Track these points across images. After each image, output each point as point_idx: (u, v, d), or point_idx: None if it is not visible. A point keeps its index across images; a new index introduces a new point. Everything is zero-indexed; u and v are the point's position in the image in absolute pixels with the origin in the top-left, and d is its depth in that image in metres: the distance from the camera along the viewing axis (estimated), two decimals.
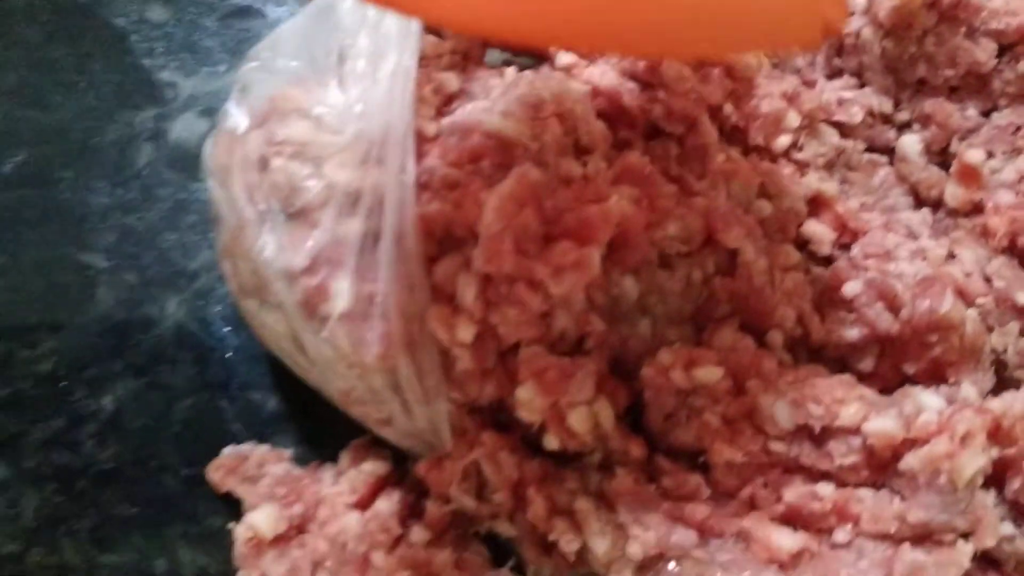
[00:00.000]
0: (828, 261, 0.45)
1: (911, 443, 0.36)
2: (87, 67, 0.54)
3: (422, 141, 0.40)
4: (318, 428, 0.45)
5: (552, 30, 0.31)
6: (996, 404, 0.36)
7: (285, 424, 0.47)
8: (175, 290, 0.49)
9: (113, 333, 0.48)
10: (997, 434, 0.36)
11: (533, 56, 0.47)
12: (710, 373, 0.38)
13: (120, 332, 0.48)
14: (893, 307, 0.40)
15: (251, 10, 0.55)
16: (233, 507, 0.44)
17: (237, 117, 0.38)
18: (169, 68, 0.53)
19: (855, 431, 0.36)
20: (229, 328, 0.48)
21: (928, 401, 0.37)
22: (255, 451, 0.45)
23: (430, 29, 0.44)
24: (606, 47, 0.35)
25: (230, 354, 0.48)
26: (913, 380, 0.41)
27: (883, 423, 0.36)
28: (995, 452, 0.35)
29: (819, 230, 0.44)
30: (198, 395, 0.47)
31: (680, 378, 0.38)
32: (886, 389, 0.42)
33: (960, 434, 0.35)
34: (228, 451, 0.45)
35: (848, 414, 0.36)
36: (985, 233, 0.43)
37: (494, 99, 0.42)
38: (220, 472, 0.44)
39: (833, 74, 0.47)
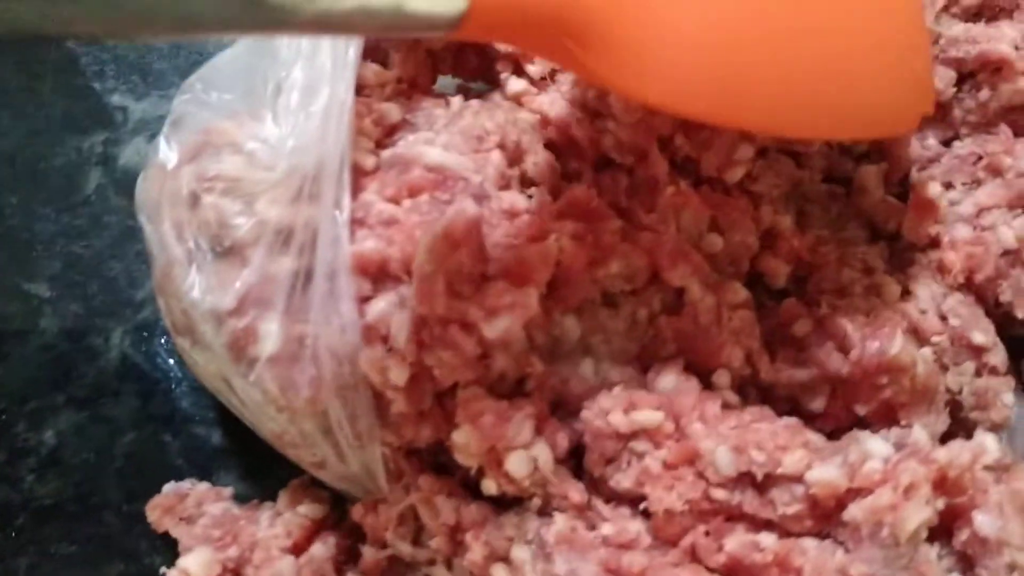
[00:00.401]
0: (784, 294, 0.44)
1: (855, 493, 0.35)
2: (36, 89, 0.53)
3: (360, 175, 0.39)
4: (261, 464, 0.45)
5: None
6: (942, 453, 0.35)
7: (228, 459, 0.46)
8: (120, 320, 0.48)
9: (56, 365, 0.47)
10: (943, 484, 0.35)
11: (487, 82, 0.46)
12: (650, 417, 0.37)
13: (63, 364, 0.47)
14: (843, 348, 0.39)
15: None
16: (173, 545, 0.43)
17: (167, 152, 0.37)
18: (119, 91, 0.53)
19: (798, 479, 0.35)
20: (174, 360, 0.47)
21: (875, 447, 0.36)
22: (194, 489, 0.44)
23: (374, 56, 0.43)
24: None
25: (175, 387, 0.47)
26: (865, 421, 0.40)
27: (826, 472, 0.35)
28: (941, 503, 0.34)
29: (773, 264, 0.43)
30: (141, 429, 0.46)
31: (620, 422, 0.37)
32: (838, 429, 0.41)
33: (904, 485, 0.34)
34: (168, 488, 0.44)
35: (791, 461, 0.35)
36: (942, 269, 0.42)
37: (437, 130, 0.41)
38: (157, 512, 0.43)
39: None
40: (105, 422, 0.46)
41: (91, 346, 0.48)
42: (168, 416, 0.46)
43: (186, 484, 0.44)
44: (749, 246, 0.42)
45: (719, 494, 0.36)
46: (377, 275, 0.37)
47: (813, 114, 0.36)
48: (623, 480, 0.37)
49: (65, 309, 0.48)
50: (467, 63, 0.46)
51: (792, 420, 0.38)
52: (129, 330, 0.48)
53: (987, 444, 0.38)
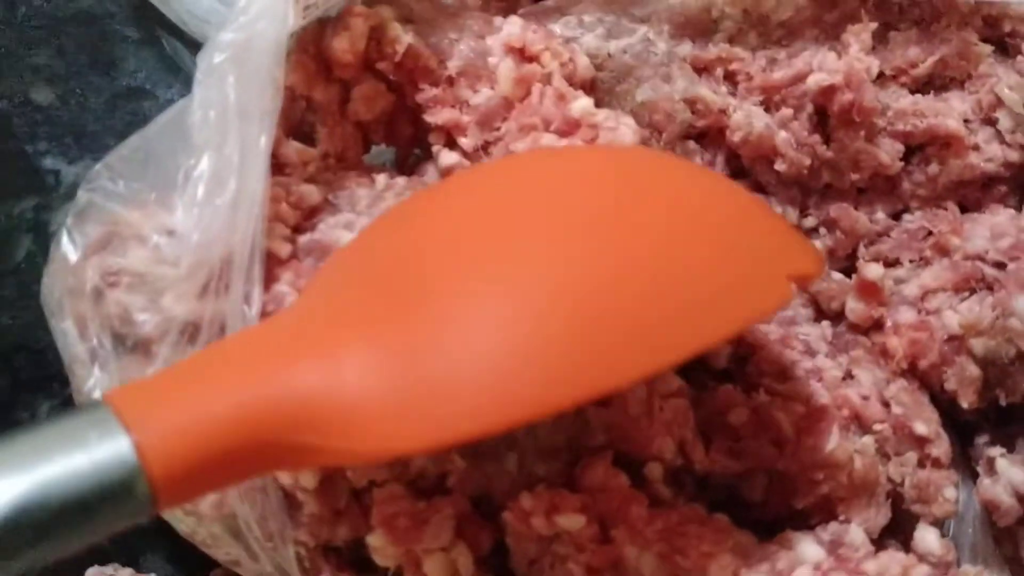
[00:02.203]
0: (726, 375, 0.42)
1: None
2: None
3: (274, 264, 0.37)
4: (188, 547, 0.43)
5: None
6: (872, 566, 0.33)
7: (156, 541, 0.45)
8: (48, 395, 0.47)
9: None
10: None
11: (424, 150, 0.45)
12: (572, 521, 0.35)
13: None
14: (778, 442, 0.38)
15: (141, 91, 0.53)
16: None
17: (69, 245, 0.36)
18: (52, 154, 0.51)
19: None
20: None
21: (806, 551, 0.35)
22: (117, 574, 0.42)
23: (297, 133, 0.42)
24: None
25: None
26: (804, 513, 0.39)
27: None
28: None
29: None
30: None
31: (541, 524, 0.35)
32: (778, 519, 0.40)
33: None
34: (91, 573, 0.43)
35: (716, 569, 0.34)
36: (885, 353, 0.41)
37: (359, 211, 0.39)
38: None
39: (735, 174, 0.45)
40: None
41: (16, 421, 0.46)
42: None
43: (108, 569, 0.43)
44: None
45: None
46: None
47: (659, 341, 0.31)
48: None
49: None
50: (400, 132, 0.45)
51: (722, 520, 0.36)
52: (57, 405, 0.47)
53: (928, 545, 0.37)
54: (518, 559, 0.37)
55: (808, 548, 0.35)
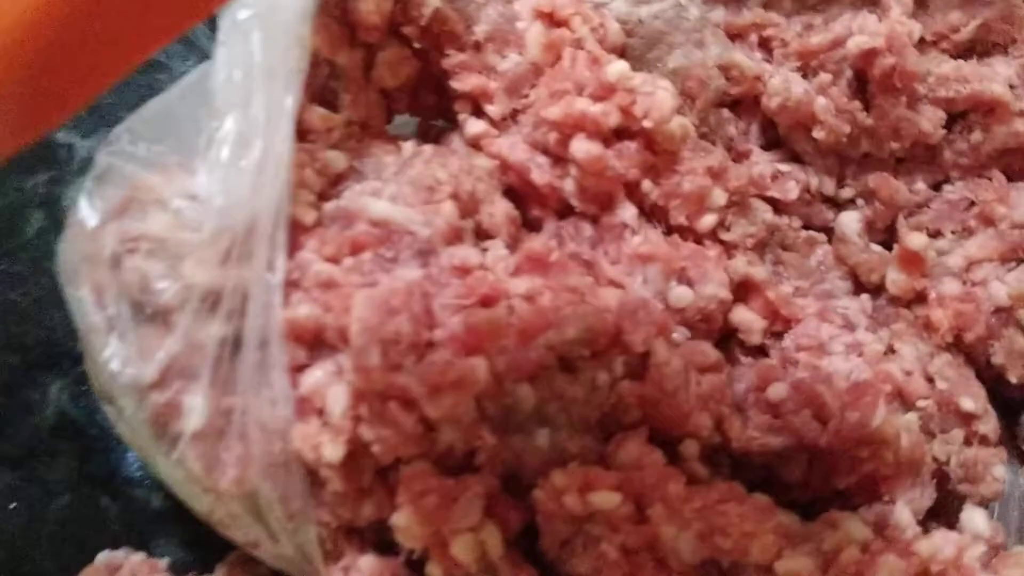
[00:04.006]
0: (760, 351, 0.41)
1: None
2: None
3: (298, 231, 0.36)
4: (202, 530, 0.42)
5: None
6: (924, 546, 0.32)
7: (169, 525, 0.43)
8: (59, 373, 0.45)
9: None
10: None
11: (448, 120, 0.43)
12: (607, 499, 0.34)
13: None
14: (821, 416, 0.36)
15: (157, 64, 0.51)
16: None
17: (88, 210, 0.35)
18: (65, 127, 0.50)
19: (767, 569, 0.33)
20: None
21: (853, 531, 0.33)
22: (129, 560, 0.41)
23: (322, 99, 0.40)
24: None
25: (114, 446, 0.44)
26: (845, 494, 0.37)
27: (797, 563, 0.32)
28: None
29: (748, 318, 0.40)
30: (77, 491, 0.44)
31: (574, 503, 0.34)
32: (817, 499, 0.38)
33: None
34: (101, 558, 0.41)
35: (759, 549, 0.33)
36: (928, 326, 0.39)
37: (385, 179, 0.38)
38: None
39: (770, 144, 0.43)
40: (39, 483, 0.43)
41: (27, 401, 0.45)
42: (106, 478, 0.44)
43: (120, 554, 0.41)
44: (721, 300, 0.39)
45: None
46: (312, 343, 0.34)
47: None
48: (579, 565, 0.34)
49: (1, 361, 0.45)
50: (424, 102, 0.43)
51: (763, 499, 0.35)
52: (68, 384, 0.45)
53: (976, 527, 0.35)
54: (549, 540, 0.35)
55: (855, 527, 0.33)
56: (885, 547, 0.32)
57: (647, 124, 0.38)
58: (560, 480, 0.34)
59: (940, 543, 0.32)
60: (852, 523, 0.34)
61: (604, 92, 0.38)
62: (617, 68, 0.38)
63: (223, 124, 0.34)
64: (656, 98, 0.38)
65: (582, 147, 0.38)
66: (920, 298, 0.40)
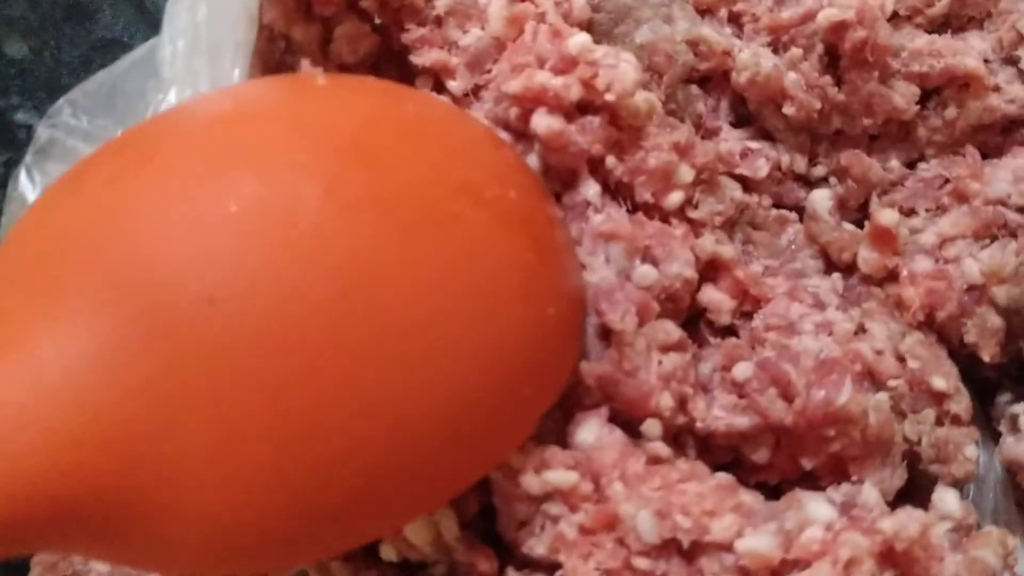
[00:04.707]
0: (729, 331, 0.40)
1: (791, 565, 0.31)
2: None
3: None
4: None
5: None
6: (888, 524, 0.31)
7: None
8: None
9: None
10: (890, 557, 0.31)
11: None
12: (565, 477, 0.33)
13: None
14: (786, 395, 0.35)
15: (118, 44, 0.50)
16: None
17: (26, 184, 0.34)
18: (24, 109, 0.49)
19: (728, 548, 0.32)
20: None
21: (816, 511, 0.32)
22: None
23: (278, 71, 0.39)
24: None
25: None
26: (812, 475, 0.36)
27: (758, 541, 0.31)
28: None
29: (716, 298, 0.39)
30: None
31: (532, 483, 0.33)
32: (785, 480, 0.37)
33: (844, 560, 0.30)
34: None
35: (720, 528, 0.32)
36: (900, 305, 0.38)
37: None
38: (39, 569, 0.39)
39: (740, 121, 0.42)
40: None
41: None
42: None
43: None
44: (687, 279, 0.38)
45: (641, 563, 0.32)
46: None
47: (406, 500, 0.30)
48: (536, 546, 0.33)
49: None
50: (385, 77, 0.42)
51: (725, 478, 0.34)
52: None
53: (947, 507, 0.34)
54: (506, 522, 0.34)
55: (819, 507, 0.32)
56: (849, 525, 0.31)
57: (610, 98, 0.37)
58: (517, 460, 0.33)
59: (904, 520, 0.31)
60: (815, 502, 0.33)
61: (565, 65, 0.37)
62: (578, 40, 0.37)
63: (167, 96, 0.34)
64: (619, 71, 0.37)
65: (543, 121, 0.37)
66: (892, 276, 0.39)
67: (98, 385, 0.26)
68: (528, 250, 0.32)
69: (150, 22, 0.51)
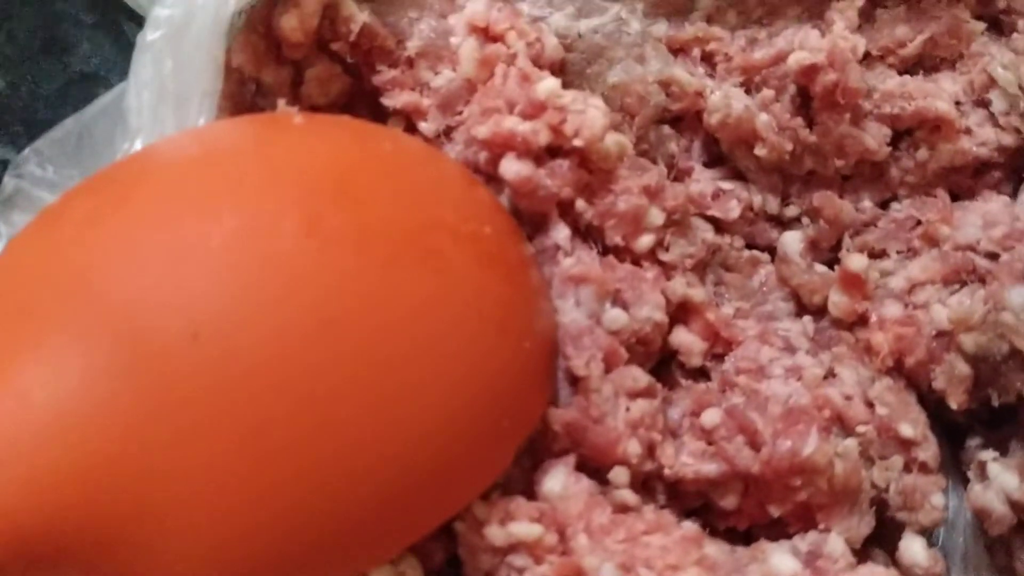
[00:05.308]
0: (701, 373, 0.40)
1: None
2: None
3: None
4: None
5: None
6: None
7: None
8: None
9: None
10: None
11: None
12: (529, 530, 0.33)
13: None
14: (753, 443, 0.35)
15: (96, 77, 0.50)
16: None
17: None
18: (1, 143, 0.49)
19: None
20: None
21: (780, 564, 0.32)
22: None
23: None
24: None
25: None
26: (781, 522, 0.36)
27: None
28: None
29: (687, 340, 0.39)
30: None
31: (496, 535, 0.33)
32: (755, 527, 0.37)
33: None
34: None
35: None
36: (869, 350, 0.38)
37: None
38: None
39: (713, 161, 0.42)
40: None
41: None
42: None
43: None
44: (657, 322, 0.38)
45: None
46: None
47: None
48: None
49: None
50: (357, 118, 0.42)
51: (691, 529, 0.34)
52: None
53: (914, 556, 0.34)
54: (471, 572, 0.34)
55: (782, 560, 0.33)
56: None
57: (578, 143, 0.37)
58: (481, 511, 0.33)
59: (868, 574, 0.31)
60: (779, 554, 0.33)
61: (534, 110, 0.37)
62: (547, 86, 0.37)
63: (134, 145, 0.34)
64: (587, 116, 0.37)
65: (512, 167, 0.37)
66: (862, 321, 0.39)
67: (82, 422, 0.25)
68: (504, 284, 0.33)
69: (128, 55, 0.51)
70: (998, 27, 0.41)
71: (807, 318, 0.40)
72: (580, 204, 0.39)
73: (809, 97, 0.40)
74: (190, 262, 0.27)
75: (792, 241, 0.40)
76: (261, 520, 0.27)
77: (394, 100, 0.40)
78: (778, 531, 0.37)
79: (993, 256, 0.37)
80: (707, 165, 0.42)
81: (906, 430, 0.37)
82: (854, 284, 0.39)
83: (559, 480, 0.34)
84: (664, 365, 0.40)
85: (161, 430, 0.26)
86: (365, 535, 0.29)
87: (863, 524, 0.36)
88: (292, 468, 0.27)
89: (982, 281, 0.37)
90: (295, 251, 0.28)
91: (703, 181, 0.41)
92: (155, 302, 0.26)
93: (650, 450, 0.36)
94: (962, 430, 0.39)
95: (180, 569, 0.27)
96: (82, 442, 0.25)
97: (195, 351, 0.26)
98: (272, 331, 0.27)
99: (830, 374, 0.38)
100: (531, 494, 0.35)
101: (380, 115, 0.41)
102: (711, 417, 0.36)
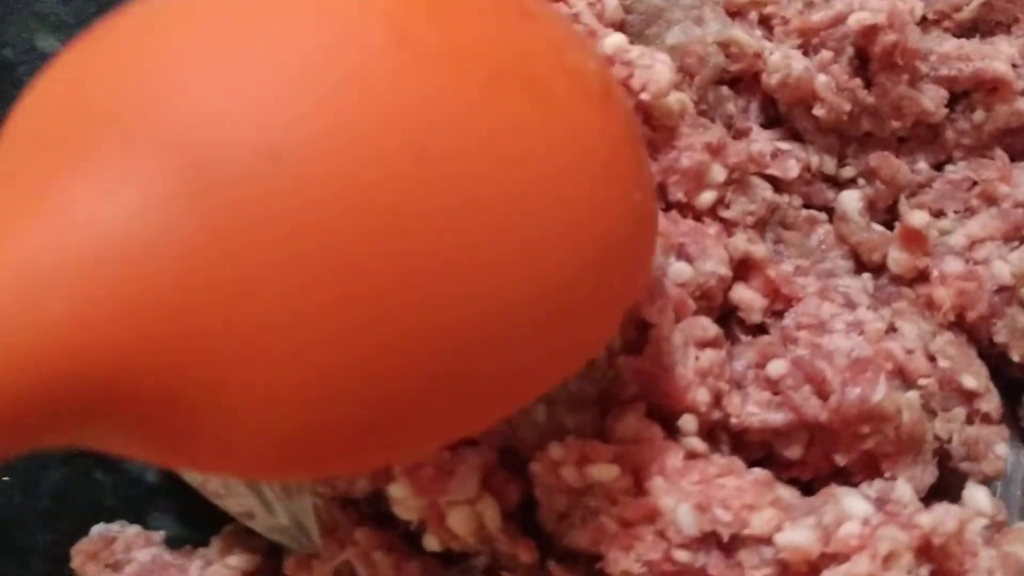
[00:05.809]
0: (760, 329, 0.41)
1: (830, 559, 0.31)
2: None
3: None
4: (198, 504, 0.41)
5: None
6: (926, 519, 0.31)
7: (163, 499, 0.43)
8: None
9: None
10: (928, 551, 0.31)
11: None
12: (605, 471, 0.33)
13: None
14: (821, 392, 0.36)
15: None
16: None
17: None
18: None
19: (767, 541, 0.32)
20: None
21: (853, 506, 0.33)
22: (124, 533, 0.41)
23: None
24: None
25: None
26: (845, 471, 0.37)
27: (797, 535, 0.32)
28: (925, 571, 0.31)
29: (748, 296, 0.40)
30: (72, 465, 0.43)
31: (572, 476, 0.33)
32: (818, 477, 0.38)
33: (883, 553, 0.30)
34: (96, 531, 0.41)
35: (759, 522, 0.32)
36: (930, 305, 0.39)
37: None
38: (81, 557, 0.40)
39: (770, 122, 0.43)
40: (33, 457, 0.43)
41: None
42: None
43: (115, 527, 0.41)
44: (721, 276, 0.39)
45: (681, 556, 0.33)
46: None
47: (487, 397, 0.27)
48: (577, 538, 0.34)
49: None
50: None
51: (763, 473, 0.34)
52: None
53: (978, 504, 0.34)
54: (547, 513, 0.35)
55: (855, 502, 0.33)
56: (886, 520, 0.32)
57: (645, 97, 0.38)
58: (557, 453, 0.34)
59: (942, 516, 0.31)
60: (851, 497, 0.33)
61: None
62: (614, 40, 0.38)
63: None
64: (654, 71, 0.38)
65: None
66: (922, 277, 0.40)
67: (136, 249, 0.22)
68: (611, 124, 0.29)
69: None
70: None
71: (866, 275, 0.41)
72: None
73: (867, 59, 0.41)
74: (268, 74, 0.23)
75: (851, 200, 0.41)
76: (342, 364, 0.23)
77: None
78: (841, 481, 0.37)
79: None
80: (764, 126, 0.43)
81: (968, 381, 0.37)
82: (915, 240, 0.39)
83: (631, 425, 0.35)
84: (723, 321, 0.41)
85: (231, 262, 0.22)
86: (462, 389, 0.26)
87: (927, 474, 0.37)
88: (379, 309, 0.23)
89: None
90: (385, 66, 0.24)
91: (761, 141, 0.42)
92: (227, 114, 0.23)
93: (717, 399, 0.37)
94: (1020, 387, 0.40)
95: (260, 412, 0.23)
96: (134, 270, 0.22)
97: (273, 172, 0.22)
98: (360, 155, 0.23)
99: (891, 329, 0.39)
100: (603, 439, 0.35)
101: None
102: (777, 367, 0.37)
